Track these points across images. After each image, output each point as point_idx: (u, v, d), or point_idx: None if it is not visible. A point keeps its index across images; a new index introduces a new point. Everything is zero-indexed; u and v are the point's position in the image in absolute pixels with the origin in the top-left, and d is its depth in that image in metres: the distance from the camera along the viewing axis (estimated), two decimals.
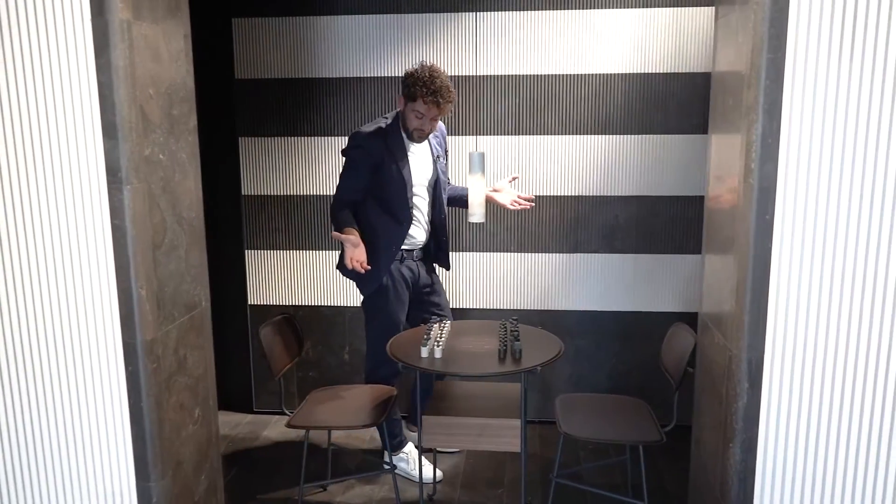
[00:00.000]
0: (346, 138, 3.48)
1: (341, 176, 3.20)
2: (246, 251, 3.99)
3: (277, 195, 3.93)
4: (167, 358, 2.25)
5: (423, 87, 2.97)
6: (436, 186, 3.30)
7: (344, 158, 3.21)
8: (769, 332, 2.07)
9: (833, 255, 2.04)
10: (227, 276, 3.95)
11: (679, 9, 3.54)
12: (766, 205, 1.97)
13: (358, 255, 2.99)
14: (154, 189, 2.17)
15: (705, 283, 2.47)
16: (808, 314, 2.07)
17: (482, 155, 2.95)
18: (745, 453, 2.14)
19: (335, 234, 3.05)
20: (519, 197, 3.35)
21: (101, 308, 2.16)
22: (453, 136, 3.75)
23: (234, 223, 3.97)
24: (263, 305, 4.02)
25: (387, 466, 3.39)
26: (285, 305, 4.00)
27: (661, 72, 3.62)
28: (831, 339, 2.10)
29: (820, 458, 2.17)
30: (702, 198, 3.65)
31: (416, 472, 3.38)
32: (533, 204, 3.39)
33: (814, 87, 1.93)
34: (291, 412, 3.02)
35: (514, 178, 3.42)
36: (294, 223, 3.95)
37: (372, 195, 3.18)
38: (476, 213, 2.99)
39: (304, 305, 4.01)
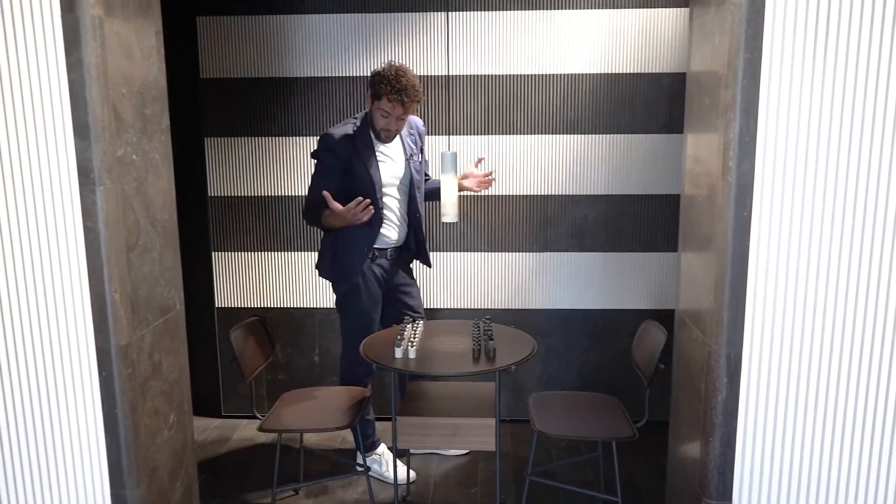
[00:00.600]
0: (316, 139, 3.44)
1: (312, 179, 3.17)
2: (213, 253, 3.93)
3: (245, 196, 3.88)
4: (142, 363, 2.20)
5: (388, 85, 2.97)
6: (410, 185, 3.29)
7: (314, 161, 3.18)
8: (747, 327, 2.10)
9: (809, 250, 2.08)
10: (193, 279, 3.87)
11: (645, 10, 3.60)
12: (743, 202, 2.00)
13: (351, 216, 2.93)
14: (127, 190, 2.12)
15: (682, 281, 2.50)
16: (784, 309, 2.11)
17: (454, 155, 2.95)
18: (724, 447, 2.16)
19: (331, 201, 2.94)
20: (484, 176, 3.35)
21: (74, 312, 2.10)
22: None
23: (200, 225, 3.90)
24: (231, 308, 3.97)
25: (360, 468, 3.37)
26: (254, 308, 3.95)
27: (628, 72, 3.66)
28: (807, 333, 2.14)
29: (797, 451, 2.21)
30: (669, 196, 3.73)
31: (389, 474, 3.38)
32: (493, 177, 3.36)
33: (789, 86, 1.97)
34: (262, 416, 2.99)
35: (480, 160, 3.40)
36: (262, 224, 3.90)
37: (343, 196, 3.16)
38: (449, 212, 2.99)
39: (273, 307, 3.96)
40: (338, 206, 2.94)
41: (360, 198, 2.91)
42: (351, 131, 3.13)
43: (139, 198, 2.19)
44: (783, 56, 1.95)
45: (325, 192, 2.96)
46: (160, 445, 2.30)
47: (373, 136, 3.14)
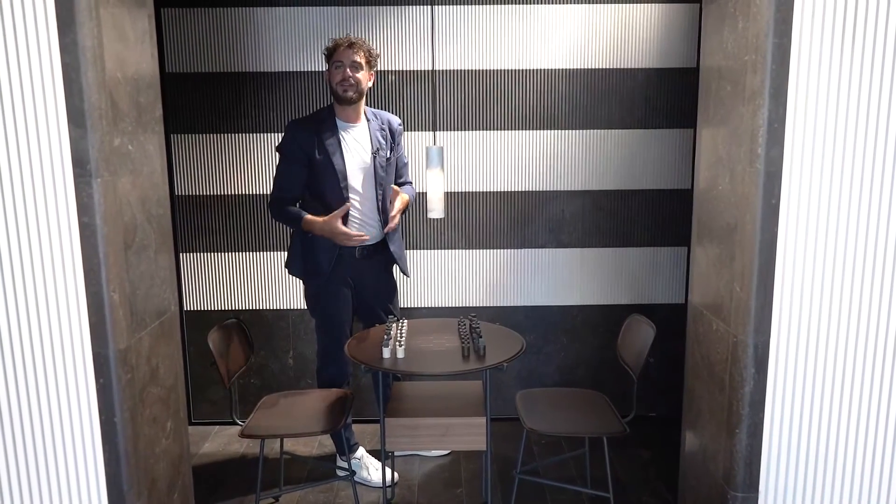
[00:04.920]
0: None
1: (276, 171, 3.09)
2: (180, 254, 3.75)
3: (213, 195, 3.71)
4: (140, 368, 2.05)
5: (334, 41, 3.05)
6: (375, 181, 3.12)
7: (278, 154, 3.10)
8: (775, 316, 2.08)
9: (836, 238, 2.07)
10: None
11: (623, 5, 3.61)
12: (772, 189, 1.98)
13: (340, 233, 2.98)
14: (125, 183, 1.98)
15: (696, 273, 2.48)
16: (812, 297, 2.10)
17: (440, 149, 2.89)
18: (750, 438, 2.14)
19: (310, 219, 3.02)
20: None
21: (69, 315, 1.94)
22: (408, 133, 3.66)
23: None
24: (200, 311, 3.79)
25: (344, 472, 3.28)
26: (224, 310, 3.79)
27: (605, 67, 3.67)
28: (836, 321, 2.13)
29: (822, 441, 2.20)
30: (646, 191, 3.75)
31: (370, 476, 3.30)
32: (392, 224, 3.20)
33: (818, 70, 1.96)
34: (241, 421, 2.86)
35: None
36: (232, 224, 3.75)
37: (308, 190, 3.06)
38: (435, 208, 2.94)
39: (245, 310, 3.81)
40: (316, 219, 3.00)
41: (342, 209, 2.97)
42: (314, 117, 3.09)
43: (136, 192, 2.05)
44: (812, 39, 1.93)
45: (308, 217, 3.02)
46: (159, 455, 2.16)
47: (337, 120, 3.06)
